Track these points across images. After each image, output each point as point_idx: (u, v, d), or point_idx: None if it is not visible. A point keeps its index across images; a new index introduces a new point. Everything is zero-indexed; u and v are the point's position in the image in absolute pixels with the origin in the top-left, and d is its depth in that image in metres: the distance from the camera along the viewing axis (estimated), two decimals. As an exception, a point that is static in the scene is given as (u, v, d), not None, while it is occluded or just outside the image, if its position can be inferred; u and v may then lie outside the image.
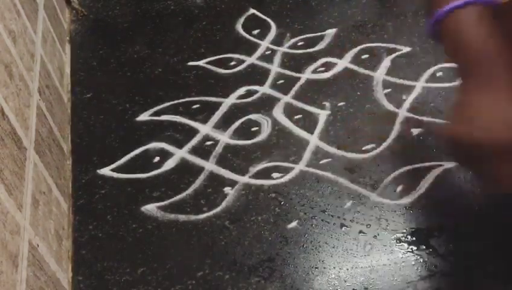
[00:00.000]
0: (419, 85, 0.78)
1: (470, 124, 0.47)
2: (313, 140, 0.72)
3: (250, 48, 0.88)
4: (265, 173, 0.69)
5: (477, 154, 0.46)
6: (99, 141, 0.75)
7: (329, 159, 0.69)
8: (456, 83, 0.77)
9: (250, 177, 0.68)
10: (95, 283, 0.59)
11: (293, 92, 0.80)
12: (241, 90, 0.81)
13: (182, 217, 0.65)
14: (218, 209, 0.65)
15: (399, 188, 0.65)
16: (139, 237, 0.63)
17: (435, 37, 0.52)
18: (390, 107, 0.75)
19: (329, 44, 0.87)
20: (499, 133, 0.44)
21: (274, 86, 0.81)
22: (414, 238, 0.60)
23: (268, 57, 0.86)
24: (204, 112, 0.78)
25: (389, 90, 0.78)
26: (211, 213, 0.65)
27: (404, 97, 0.76)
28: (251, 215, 0.64)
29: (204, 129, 0.75)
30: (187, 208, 0.66)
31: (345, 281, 0.57)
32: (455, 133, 0.48)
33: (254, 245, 0.61)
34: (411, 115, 0.74)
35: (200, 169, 0.70)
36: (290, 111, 0.77)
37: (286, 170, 0.69)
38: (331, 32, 0.89)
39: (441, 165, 0.67)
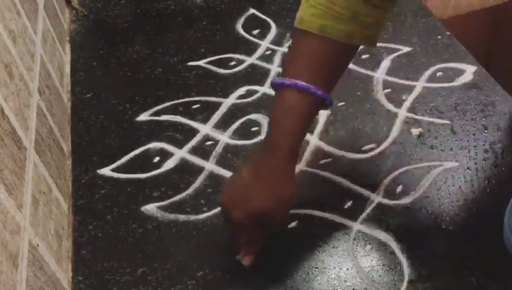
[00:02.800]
0: (419, 85, 0.78)
1: (229, 193, 0.55)
2: (313, 140, 0.72)
3: (250, 48, 0.88)
4: (265, 173, 0.68)
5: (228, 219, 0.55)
6: (99, 141, 0.75)
7: (329, 159, 0.69)
8: (456, 83, 0.78)
9: (250, 177, 0.68)
10: (95, 283, 0.59)
11: (293, 92, 0.80)
12: (241, 90, 0.81)
13: (182, 217, 0.65)
14: (218, 209, 0.65)
15: (399, 188, 0.65)
16: (139, 237, 0.63)
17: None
18: (390, 107, 0.75)
19: (329, 44, 0.87)
20: (245, 214, 0.52)
21: (274, 86, 0.81)
22: (414, 238, 0.60)
23: (268, 57, 0.86)
24: (204, 112, 0.78)
25: (389, 90, 0.78)
26: (211, 213, 0.65)
27: (404, 97, 0.76)
28: (251, 215, 0.64)
29: (204, 129, 0.75)
30: (187, 208, 0.65)
31: (345, 281, 0.57)
32: (222, 190, 0.57)
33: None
34: (411, 115, 0.74)
35: (200, 169, 0.70)
36: (290, 111, 0.77)
37: (286, 170, 0.68)
38: (331, 32, 0.89)
39: (441, 165, 0.67)
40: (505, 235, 0.55)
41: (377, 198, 0.64)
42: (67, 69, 0.87)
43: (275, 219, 0.54)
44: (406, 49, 0.83)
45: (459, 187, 0.64)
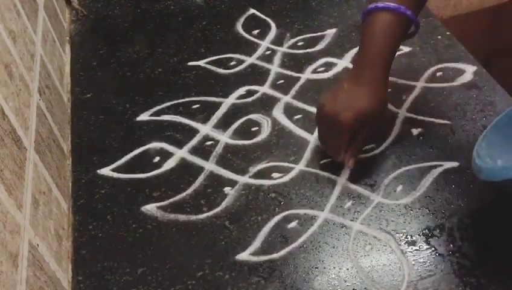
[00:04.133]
0: (419, 85, 0.78)
1: (334, 101, 0.63)
2: (313, 140, 0.72)
3: (250, 48, 0.88)
4: (265, 173, 0.69)
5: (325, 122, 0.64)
6: (99, 141, 0.75)
7: (329, 159, 0.69)
8: (456, 83, 0.78)
9: (250, 177, 0.68)
10: (95, 283, 0.59)
11: (293, 92, 0.80)
12: (241, 90, 0.81)
13: (182, 217, 0.65)
14: (218, 209, 0.65)
15: (399, 188, 0.65)
16: (139, 237, 0.63)
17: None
18: (390, 107, 0.75)
19: (329, 44, 0.87)
20: (343, 114, 0.61)
21: (274, 86, 0.81)
22: (414, 238, 0.60)
23: (268, 57, 0.86)
24: (204, 112, 0.78)
25: (389, 90, 0.78)
26: (211, 213, 0.65)
27: (404, 97, 0.76)
28: (251, 215, 0.64)
29: (204, 129, 0.75)
30: (187, 208, 0.66)
31: (345, 281, 0.57)
32: (322, 103, 0.64)
33: (254, 245, 0.61)
34: (411, 115, 0.74)
35: (200, 169, 0.70)
36: (290, 111, 0.77)
37: (286, 170, 0.69)
38: (331, 32, 0.89)
39: (441, 165, 0.67)
40: (472, 161, 0.58)
41: (377, 198, 0.64)
42: (67, 69, 0.87)
43: (377, 118, 0.63)
44: (405, 49, 0.83)
45: (459, 187, 0.64)
